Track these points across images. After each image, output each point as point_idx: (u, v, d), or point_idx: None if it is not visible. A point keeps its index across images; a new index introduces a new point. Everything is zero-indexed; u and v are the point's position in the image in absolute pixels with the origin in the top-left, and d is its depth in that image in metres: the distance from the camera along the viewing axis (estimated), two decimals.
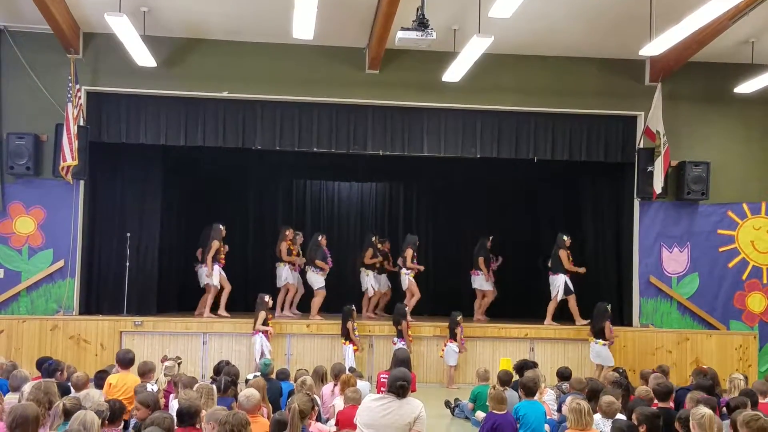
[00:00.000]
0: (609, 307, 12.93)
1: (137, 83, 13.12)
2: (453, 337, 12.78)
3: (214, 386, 7.84)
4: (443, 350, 12.88)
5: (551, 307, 14.13)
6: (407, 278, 14.30)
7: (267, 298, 12.73)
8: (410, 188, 18.43)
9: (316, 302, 14.12)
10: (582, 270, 14.16)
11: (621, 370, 11.14)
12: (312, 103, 13.53)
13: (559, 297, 14.05)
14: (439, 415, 10.60)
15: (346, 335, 12.51)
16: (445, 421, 10.41)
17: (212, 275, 13.74)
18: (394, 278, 15.19)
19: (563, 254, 14.01)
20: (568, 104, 13.82)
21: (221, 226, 13.93)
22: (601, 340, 12.56)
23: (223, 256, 13.92)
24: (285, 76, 13.39)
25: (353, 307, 12.94)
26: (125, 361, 8.65)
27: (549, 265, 14.29)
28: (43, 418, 6.05)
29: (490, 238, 15.15)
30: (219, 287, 13.88)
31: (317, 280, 14.20)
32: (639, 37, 11.57)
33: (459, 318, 12.85)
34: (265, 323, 12.49)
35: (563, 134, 13.96)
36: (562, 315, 14.48)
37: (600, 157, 14.08)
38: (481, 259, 14.95)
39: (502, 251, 15.80)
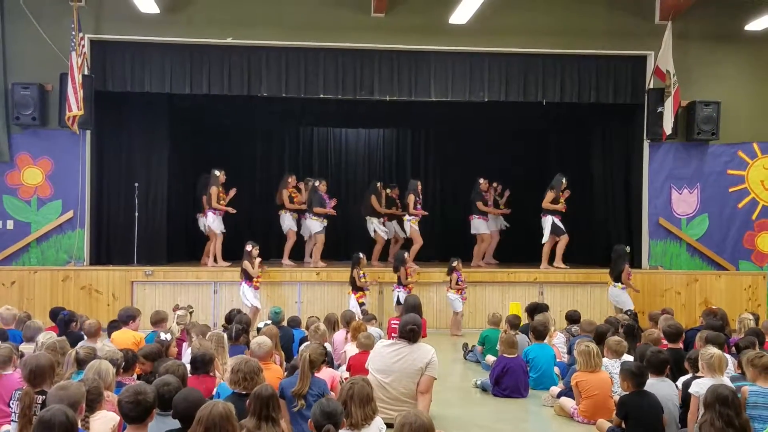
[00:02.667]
0: (627, 249, 12.82)
1: (141, 30, 13.00)
2: (450, 284, 12.68)
3: (225, 334, 7.89)
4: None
5: (545, 250, 13.96)
6: (409, 224, 14.26)
7: (249, 247, 12.27)
8: (418, 134, 18.35)
9: (317, 248, 14.08)
10: (561, 207, 13.83)
11: (630, 312, 11.18)
12: (317, 48, 13.39)
13: (545, 238, 13.86)
14: (451, 360, 10.69)
15: (353, 284, 12.35)
16: (458, 365, 10.49)
17: (212, 222, 13.65)
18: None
19: (549, 194, 13.82)
20: (576, 45, 13.63)
21: (217, 172, 13.69)
22: (619, 284, 12.43)
23: (224, 203, 13.73)
24: (290, 21, 13.23)
25: (361, 255, 12.69)
26: (124, 318, 8.70)
27: None
28: (58, 368, 6.12)
29: (480, 180, 14.98)
30: (222, 233, 13.78)
31: (314, 225, 14.08)
32: None
33: (455, 264, 12.70)
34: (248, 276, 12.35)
35: (572, 76, 13.81)
36: (572, 258, 14.46)
37: (609, 98, 13.95)
38: (479, 203, 14.89)
39: (512, 197, 15.75)
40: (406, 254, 12.91)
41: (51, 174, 13.12)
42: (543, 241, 13.95)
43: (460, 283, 12.63)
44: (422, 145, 18.39)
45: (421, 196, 14.45)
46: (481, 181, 14.96)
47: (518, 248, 15.92)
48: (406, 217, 14.35)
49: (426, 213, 14.57)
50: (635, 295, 12.76)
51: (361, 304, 11.94)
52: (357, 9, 13.35)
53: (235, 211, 13.94)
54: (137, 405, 4.70)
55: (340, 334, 9.26)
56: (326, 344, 8.00)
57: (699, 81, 13.84)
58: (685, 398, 6.54)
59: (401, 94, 13.62)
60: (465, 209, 15.38)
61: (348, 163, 18.31)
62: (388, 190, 15.45)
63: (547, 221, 13.86)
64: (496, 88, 13.67)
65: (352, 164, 18.30)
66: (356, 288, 12.27)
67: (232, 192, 13.88)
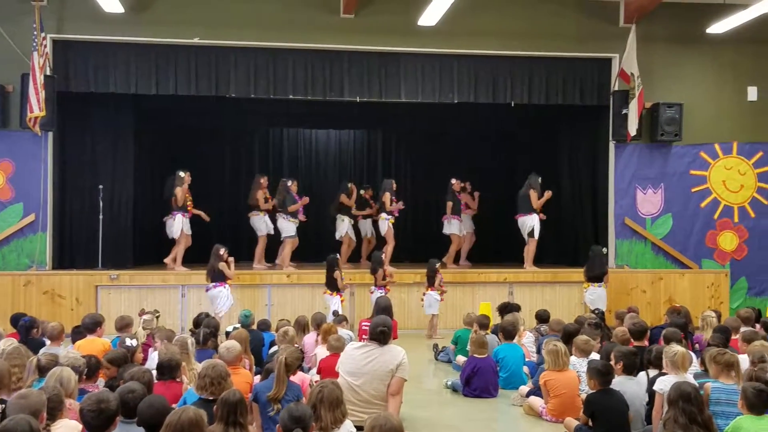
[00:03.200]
0: (605, 250, 12.96)
1: (105, 30, 12.82)
2: (432, 284, 12.63)
3: (190, 339, 7.72)
4: (422, 299, 12.72)
5: (530, 249, 14.02)
6: (386, 223, 14.21)
7: (221, 250, 11.99)
8: (388, 135, 18.37)
9: (287, 251, 13.97)
10: (548, 195, 13.89)
11: (597, 311, 11.28)
12: (286, 48, 13.32)
13: (536, 235, 13.94)
14: (422, 361, 10.68)
15: (332, 285, 12.17)
16: (428, 366, 10.49)
17: (177, 225, 13.44)
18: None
19: (533, 194, 13.90)
20: (543, 47, 13.74)
21: (182, 173, 13.49)
22: (603, 283, 12.54)
23: (191, 204, 13.58)
24: (258, 21, 13.15)
25: (338, 256, 12.67)
26: (89, 326, 8.41)
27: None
28: (19, 375, 6.01)
29: (452, 180, 15.01)
30: (186, 237, 13.60)
31: (288, 227, 13.97)
32: None
33: (437, 265, 12.76)
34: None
35: (539, 78, 13.92)
36: (540, 259, 14.57)
37: (576, 100, 14.08)
38: (449, 204, 14.91)
39: (481, 197, 15.83)
40: (383, 255, 12.91)
41: (12, 176, 12.88)
42: (536, 237, 13.91)
43: (442, 284, 12.63)
44: (393, 146, 18.42)
45: (395, 195, 14.39)
46: (454, 181, 15.00)
47: (488, 248, 15.99)
48: (383, 216, 14.24)
49: (403, 206, 14.38)
50: None
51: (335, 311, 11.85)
52: (326, 9, 13.31)
53: (209, 219, 13.83)
54: (99, 413, 4.61)
55: (310, 337, 9.21)
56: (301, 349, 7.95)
57: (662, 83, 14.02)
58: (650, 395, 6.61)
59: (371, 96, 13.61)
60: (436, 210, 15.40)
61: (318, 165, 18.26)
62: (362, 191, 15.46)
63: (533, 220, 13.87)
64: (465, 89, 13.71)
65: (322, 165, 18.25)
66: (337, 289, 12.16)
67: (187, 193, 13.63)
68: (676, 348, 6.69)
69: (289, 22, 13.19)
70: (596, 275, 12.62)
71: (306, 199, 14.23)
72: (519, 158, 17.24)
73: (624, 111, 13.61)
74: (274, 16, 13.18)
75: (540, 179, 14.05)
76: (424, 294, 12.68)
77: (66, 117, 13.23)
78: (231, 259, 12.03)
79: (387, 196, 14.09)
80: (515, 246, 14.88)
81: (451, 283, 13.23)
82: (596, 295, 12.55)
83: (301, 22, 13.22)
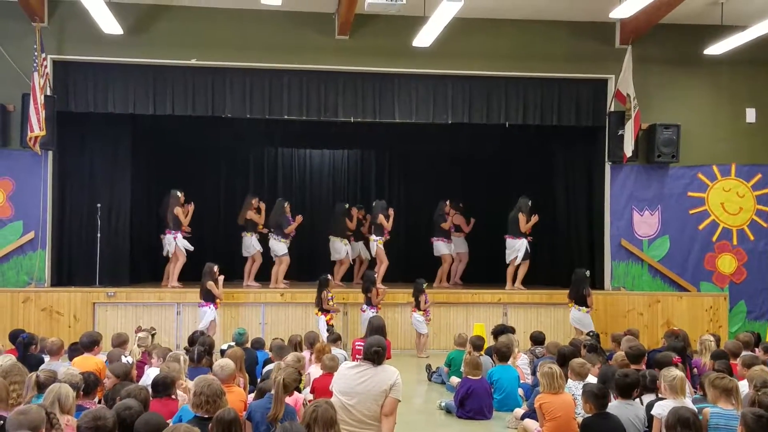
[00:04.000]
0: (588, 273, 12.97)
1: (104, 51, 12.93)
2: (417, 305, 12.65)
3: (183, 356, 7.71)
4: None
5: (510, 272, 14.14)
6: (375, 245, 14.26)
7: (215, 268, 12.23)
8: (382, 155, 18.41)
9: (281, 270, 14.06)
10: (534, 219, 13.97)
11: (592, 333, 11.27)
12: (282, 70, 13.42)
13: (518, 261, 14.01)
14: (415, 381, 10.68)
15: (320, 305, 12.32)
16: (422, 387, 10.49)
17: (181, 243, 13.56)
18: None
19: (522, 218, 13.96)
20: (539, 68, 13.80)
21: (179, 193, 13.63)
22: (584, 307, 12.50)
23: (185, 223, 13.68)
24: (254, 43, 13.25)
25: (329, 277, 12.81)
26: (86, 344, 8.47)
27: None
28: (17, 392, 6.03)
29: (447, 201, 15.11)
30: (184, 253, 13.66)
31: (280, 247, 14.08)
32: None
33: (424, 285, 12.75)
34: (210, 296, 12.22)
35: (534, 99, 13.97)
36: (535, 280, 14.59)
37: (571, 121, 14.11)
38: (442, 225, 14.97)
39: (476, 218, 15.89)
40: (375, 275, 12.95)
41: (12, 194, 12.94)
42: (517, 263, 14.02)
43: (426, 304, 12.63)
44: (386, 166, 18.45)
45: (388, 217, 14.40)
46: (446, 203, 15.04)
47: (482, 269, 15.99)
48: (372, 237, 14.33)
49: (388, 226, 14.37)
50: (597, 316, 12.91)
51: (331, 326, 11.89)
52: (321, 31, 13.40)
53: (189, 229, 13.83)
54: (96, 430, 4.62)
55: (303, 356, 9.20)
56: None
57: (659, 104, 14.05)
58: (649, 420, 6.58)
59: (365, 116, 13.69)
60: (428, 230, 15.44)
61: (312, 184, 18.30)
62: (356, 212, 15.49)
63: (520, 243, 13.95)
64: (459, 110, 13.77)
65: (316, 185, 18.29)
66: (324, 310, 12.21)
67: (190, 208, 13.75)
68: (675, 372, 6.65)
69: (284, 44, 13.29)
70: (579, 297, 12.59)
71: (300, 218, 14.33)
72: (514, 179, 17.25)
73: (620, 132, 13.62)
74: (270, 37, 13.27)
75: (530, 202, 14.11)
76: (411, 314, 12.73)
77: (65, 136, 13.32)
78: (221, 277, 12.15)
79: (381, 218, 14.14)
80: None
81: (444, 303, 13.27)
82: (577, 318, 12.57)
83: (296, 43, 13.32)
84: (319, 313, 12.29)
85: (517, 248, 14.01)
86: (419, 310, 12.61)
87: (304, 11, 13.23)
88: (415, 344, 12.87)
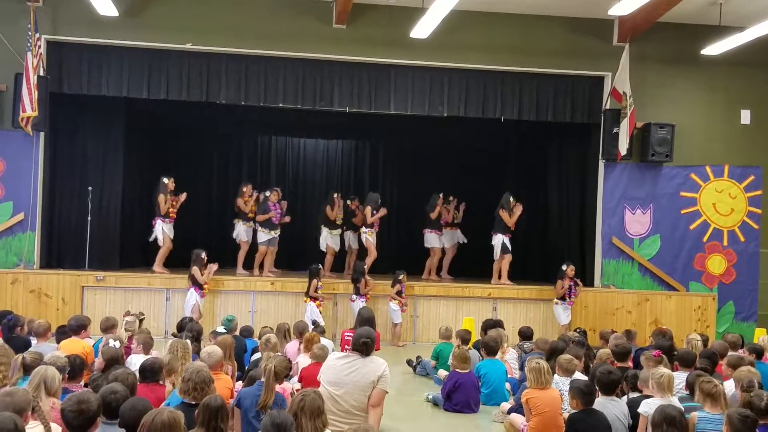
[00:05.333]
0: (564, 266, 13.11)
1: (99, 33, 12.84)
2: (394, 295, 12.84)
3: (189, 342, 7.72)
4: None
5: (495, 267, 14.27)
6: (365, 236, 14.29)
7: (203, 254, 12.48)
8: (377, 147, 18.39)
9: (267, 259, 14.19)
10: (517, 210, 14.08)
11: (579, 330, 11.30)
12: (278, 57, 13.36)
13: (496, 256, 14.14)
14: (402, 373, 10.68)
15: (307, 293, 12.54)
16: (409, 379, 10.48)
17: (159, 230, 13.55)
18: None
19: (503, 214, 14.05)
20: (536, 63, 13.76)
21: (165, 180, 13.56)
22: (557, 299, 13.05)
23: (174, 209, 13.63)
24: (250, 29, 13.18)
25: (320, 266, 13.02)
26: (74, 328, 8.44)
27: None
28: (3, 374, 6.00)
29: (440, 195, 15.16)
30: (169, 240, 13.63)
31: (260, 236, 14.11)
32: None
33: (401, 277, 12.89)
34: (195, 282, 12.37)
35: (530, 94, 13.94)
36: (525, 275, 14.61)
37: (566, 117, 14.10)
38: (431, 216, 15.03)
39: (468, 212, 15.86)
40: (365, 265, 12.99)
41: (2, 175, 12.88)
42: (495, 258, 14.15)
43: (402, 295, 12.70)
44: (380, 157, 18.43)
45: (377, 209, 14.39)
46: (439, 196, 15.06)
47: (472, 263, 15.98)
48: (362, 228, 14.36)
49: (382, 212, 14.41)
50: (586, 313, 12.99)
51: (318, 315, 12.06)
52: (319, 19, 13.35)
53: (174, 216, 13.73)
54: (80, 414, 4.61)
55: (292, 345, 9.20)
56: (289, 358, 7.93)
57: (655, 103, 14.04)
58: (634, 417, 6.60)
59: (361, 106, 13.64)
60: (420, 222, 15.43)
61: (306, 174, 18.27)
62: (349, 201, 15.48)
63: (498, 240, 14.04)
64: (455, 103, 13.74)
65: (310, 174, 18.26)
66: (312, 297, 12.34)
67: (183, 196, 13.72)
68: (663, 370, 6.68)
69: (281, 31, 13.23)
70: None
71: (287, 219, 14.44)
72: (507, 174, 17.25)
73: (615, 130, 13.61)
74: (266, 24, 13.22)
75: (511, 198, 14.18)
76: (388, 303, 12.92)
77: (58, 118, 13.24)
78: (212, 265, 12.24)
79: (368, 210, 14.14)
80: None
81: (434, 296, 13.28)
82: (556, 311, 13.08)
83: (293, 31, 13.27)
84: (308, 300, 12.46)
85: (496, 244, 14.10)
86: (394, 299, 12.75)
87: None
88: (390, 334, 12.90)
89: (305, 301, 12.58)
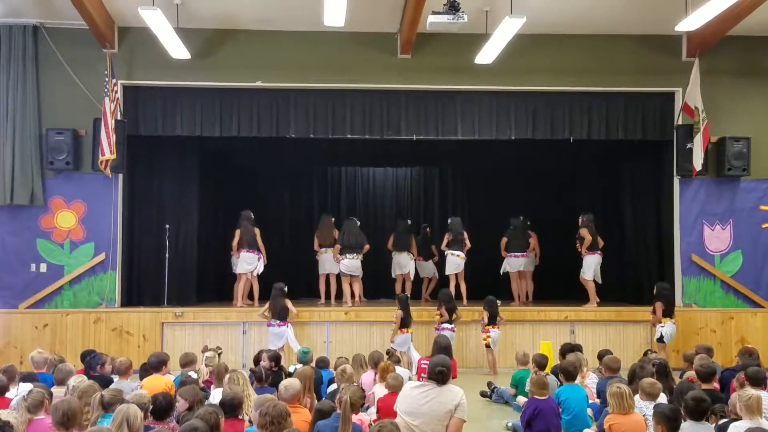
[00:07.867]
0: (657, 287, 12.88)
1: (172, 76, 13.23)
2: (494, 323, 12.66)
3: (242, 375, 7.73)
4: (488, 337, 12.65)
5: (589, 287, 14.05)
6: (456, 259, 14.54)
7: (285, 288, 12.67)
8: (445, 173, 18.43)
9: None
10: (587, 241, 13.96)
11: (648, 351, 11.01)
12: (345, 90, 13.53)
13: (588, 276, 13.97)
14: (480, 401, 10.56)
15: (406, 323, 12.32)
16: (486, 407, 10.36)
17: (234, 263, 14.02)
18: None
19: (585, 233, 13.97)
20: (604, 83, 13.62)
21: (244, 213, 14.05)
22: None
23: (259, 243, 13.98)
24: (317, 64, 13.39)
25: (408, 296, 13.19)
26: (154, 365, 8.61)
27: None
28: (89, 413, 6.14)
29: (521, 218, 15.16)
30: (248, 274, 13.92)
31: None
32: (675, 12, 11.42)
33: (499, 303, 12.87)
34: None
35: (599, 113, 13.81)
36: (603, 297, 14.34)
37: (638, 135, 13.89)
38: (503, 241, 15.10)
39: (542, 235, 15.64)
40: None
41: (83, 217, 13.29)
42: (593, 279, 14.05)
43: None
44: (450, 183, 18.46)
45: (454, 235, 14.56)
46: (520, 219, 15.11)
47: (548, 287, 15.78)
48: (452, 252, 14.53)
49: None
50: None
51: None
52: (383, 51, 13.49)
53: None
54: None
55: (368, 375, 9.18)
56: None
57: (728, 117, 13.72)
58: None
59: (428, 134, 13.70)
60: (491, 248, 15.34)
61: (376, 202, 18.41)
62: (427, 230, 15.66)
63: (589, 259, 14.01)
64: (523, 126, 13.69)
65: (379, 203, 18.38)
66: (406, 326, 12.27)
67: (256, 230, 14.00)
68: (750, 391, 6.45)
69: (347, 64, 13.41)
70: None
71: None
72: (579, 195, 17.03)
73: (688, 146, 13.34)
74: (333, 58, 13.41)
75: (584, 217, 14.16)
76: (488, 332, 12.74)
77: (135, 159, 13.66)
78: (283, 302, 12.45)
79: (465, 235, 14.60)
80: (576, 285, 14.62)
81: (509, 321, 13.11)
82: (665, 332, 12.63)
83: (359, 63, 13.44)
84: (404, 330, 12.28)
85: (588, 264, 14.06)
86: (496, 326, 12.66)
87: (367, 31, 13.33)
88: (485, 363, 12.79)
89: (401, 332, 12.29)
